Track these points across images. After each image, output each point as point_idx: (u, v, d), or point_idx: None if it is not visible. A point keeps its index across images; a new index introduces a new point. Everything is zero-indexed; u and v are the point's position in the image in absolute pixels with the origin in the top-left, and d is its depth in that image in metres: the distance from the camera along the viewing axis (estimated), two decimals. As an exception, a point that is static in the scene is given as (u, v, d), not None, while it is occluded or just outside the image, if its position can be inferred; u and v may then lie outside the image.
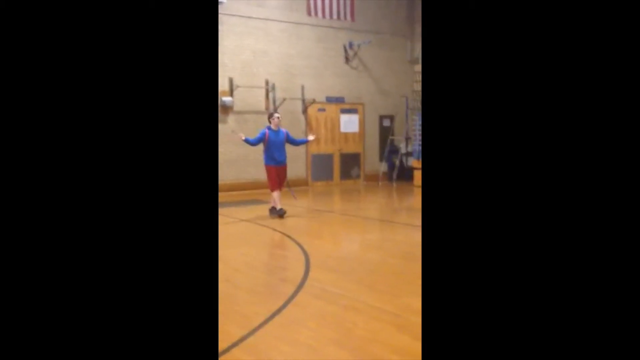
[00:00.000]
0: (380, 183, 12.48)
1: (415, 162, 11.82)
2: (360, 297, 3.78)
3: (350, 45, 12.17)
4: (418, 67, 13.19)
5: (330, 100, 12.07)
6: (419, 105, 12.94)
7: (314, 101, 11.59)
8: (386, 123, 13.07)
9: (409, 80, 13.14)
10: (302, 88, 11.46)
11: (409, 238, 6.12)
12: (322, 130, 12.00)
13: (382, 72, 12.85)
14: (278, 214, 7.31)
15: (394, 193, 10.93)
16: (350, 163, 12.58)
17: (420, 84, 12.91)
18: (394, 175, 12.49)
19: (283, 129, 7.54)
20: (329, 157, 12.21)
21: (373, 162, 12.92)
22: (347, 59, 12.25)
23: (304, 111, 11.59)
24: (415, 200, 9.70)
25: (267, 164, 7.41)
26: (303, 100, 11.52)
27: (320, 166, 11.92)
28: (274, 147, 7.27)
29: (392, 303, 3.60)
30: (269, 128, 7.34)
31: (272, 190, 7.39)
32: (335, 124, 12.23)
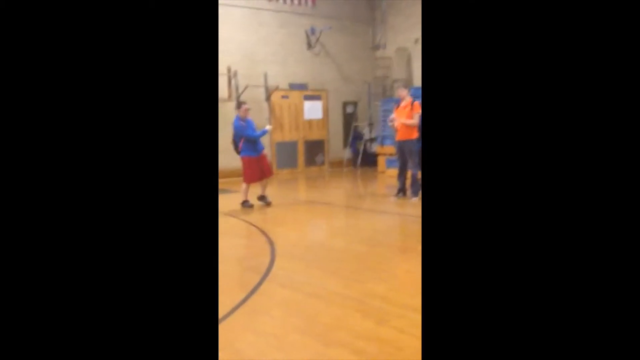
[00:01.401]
0: (344, 169, 12.55)
1: (379, 148, 11.92)
2: (324, 284, 3.82)
3: (312, 31, 12.12)
4: (380, 53, 13.26)
5: (293, 87, 12.01)
6: (381, 91, 13.03)
7: (277, 88, 11.52)
8: (350, 109, 13.12)
9: (371, 67, 13.20)
10: (265, 75, 11.36)
11: (372, 224, 6.19)
12: (285, 117, 11.95)
13: (345, 59, 12.86)
14: (245, 205, 7.22)
15: (359, 179, 11.02)
16: (315, 150, 12.60)
17: (382, 69, 13.01)
18: (358, 161, 12.58)
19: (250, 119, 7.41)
20: (293, 145, 12.19)
21: (337, 149, 12.98)
22: (309, 45, 12.20)
23: (267, 98, 11.51)
24: (379, 185, 9.80)
25: (246, 155, 7.11)
26: (266, 88, 11.42)
27: (285, 154, 11.90)
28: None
29: (355, 289, 3.65)
30: (238, 118, 7.12)
31: (246, 182, 7.17)
32: (299, 110, 12.20)
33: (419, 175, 7.47)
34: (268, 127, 7.58)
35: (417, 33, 12.41)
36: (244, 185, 7.25)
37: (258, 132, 7.16)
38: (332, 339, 2.81)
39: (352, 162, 12.83)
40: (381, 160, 11.61)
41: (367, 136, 12.86)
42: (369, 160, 12.51)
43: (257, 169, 7.11)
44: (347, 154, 12.92)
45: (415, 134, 7.29)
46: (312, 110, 12.45)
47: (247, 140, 7.05)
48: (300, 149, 12.33)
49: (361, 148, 12.75)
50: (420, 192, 7.49)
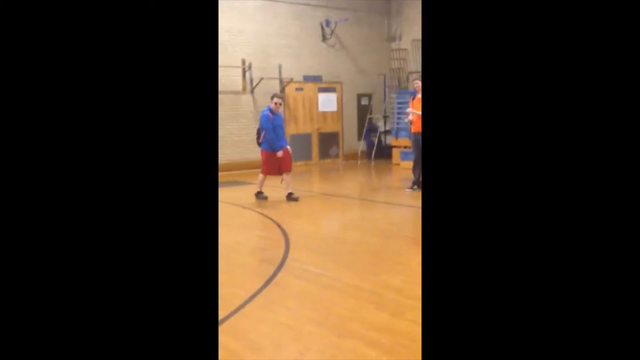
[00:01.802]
0: (359, 162, 12.52)
1: (393, 140, 11.87)
2: (339, 275, 3.82)
3: (327, 23, 12.06)
4: (395, 45, 13.16)
5: (307, 79, 11.99)
6: (396, 83, 12.95)
7: (291, 80, 11.51)
8: (364, 101, 13.06)
9: (386, 59, 13.11)
10: (280, 67, 11.35)
11: (387, 216, 6.18)
12: (300, 110, 11.95)
13: (360, 51, 12.79)
14: (259, 197, 7.19)
15: (373, 171, 10.99)
16: (329, 142, 12.58)
17: (397, 61, 12.92)
18: (373, 154, 12.54)
19: (282, 115, 7.22)
20: (307, 137, 12.18)
21: (352, 141, 12.94)
22: (324, 37, 12.15)
23: (282, 91, 11.51)
24: (393, 178, 9.77)
25: (265, 149, 6.98)
26: (280, 80, 11.42)
27: (299, 146, 11.89)
28: (276, 131, 6.89)
29: (370, 281, 3.65)
30: (270, 110, 6.91)
31: (263, 173, 7.12)
32: (313, 103, 12.18)
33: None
34: (287, 146, 7.09)
35: (433, 24, 12.28)
36: (260, 176, 7.20)
37: (276, 137, 6.89)
38: (347, 331, 2.82)
39: (367, 154, 12.79)
40: (395, 153, 11.55)
41: (381, 128, 12.81)
42: (384, 153, 12.47)
43: (275, 163, 7.00)
44: (361, 146, 12.88)
45: (431, 127, 7.23)
46: (327, 102, 12.42)
47: (267, 135, 6.92)
48: (315, 141, 12.32)
49: (376, 140, 12.70)
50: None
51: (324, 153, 12.50)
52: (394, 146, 11.74)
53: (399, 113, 11.50)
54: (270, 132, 6.86)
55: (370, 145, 12.79)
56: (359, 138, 12.98)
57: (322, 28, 12.08)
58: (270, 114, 6.86)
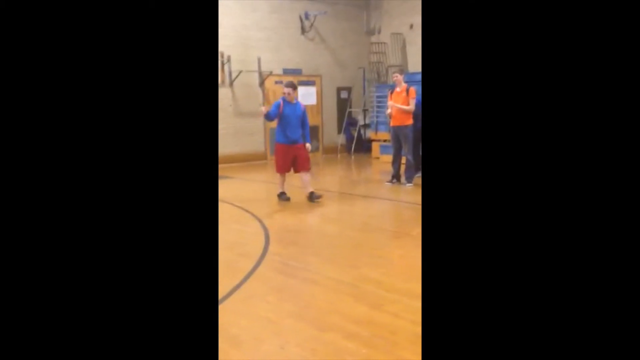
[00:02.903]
0: (338, 155, 12.53)
1: (373, 134, 11.90)
2: (319, 269, 3.83)
3: (306, 16, 12.01)
4: (374, 39, 13.17)
5: (287, 72, 11.94)
6: (375, 76, 12.97)
7: (270, 73, 11.44)
8: (344, 95, 13.07)
9: (365, 52, 13.11)
10: (259, 60, 11.28)
11: (367, 210, 6.20)
12: (279, 103, 11.89)
13: (339, 44, 12.77)
14: (282, 198, 6.60)
15: (353, 165, 11.02)
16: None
17: (377, 55, 12.93)
18: (352, 148, 12.57)
19: (302, 104, 6.62)
20: (287, 130, 12.12)
21: (331, 135, 12.95)
22: (303, 30, 12.10)
23: (261, 84, 11.44)
24: (373, 171, 9.81)
25: (279, 142, 6.50)
26: (260, 73, 11.35)
27: (279, 139, 11.83)
28: (285, 121, 6.33)
29: (350, 274, 3.66)
30: (284, 99, 6.41)
31: (278, 171, 6.59)
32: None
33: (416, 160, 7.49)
34: (262, 109, 6.56)
35: (412, 18, 12.33)
36: (279, 176, 6.66)
37: (279, 130, 6.45)
38: (326, 324, 2.83)
39: (346, 148, 12.80)
40: (375, 147, 11.59)
41: (361, 122, 12.83)
42: (363, 146, 12.50)
43: (287, 159, 6.44)
44: (341, 139, 12.90)
45: (410, 120, 7.27)
46: (306, 95, 12.37)
47: (278, 124, 6.43)
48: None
49: (355, 134, 12.73)
50: (414, 179, 7.51)
51: (304, 146, 12.47)
52: (374, 140, 11.78)
53: (378, 106, 11.53)
54: (270, 120, 6.40)
55: (349, 138, 12.81)
56: (339, 131, 12.99)
57: (301, 21, 12.02)
58: (281, 103, 6.36)
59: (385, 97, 8.76)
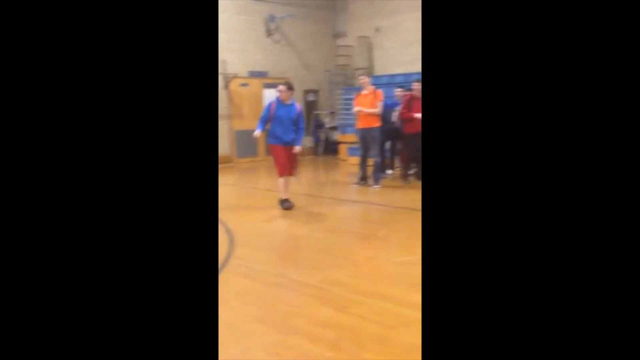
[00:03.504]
0: (306, 158, 12.50)
1: (340, 136, 11.91)
2: (284, 272, 3.77)
3: (272, 18, 11.95)
4: (341, 42, 13.20)
5: (253, 74, 11.85)
6: (342, 79, 13.00)
7: (235, 76, 11.33)
8: (311, 97, 13.06)
9: (332, 55, 13.14)
10: (224, 63, 11.15)
11: (334, 212, 6.17)
12: (245, 106, 11.78)
13: (306, 46, 12.76)
14: (284, 206, 6.11)
15: (320, 167, 11.00)
16: (276, 139, 12.48)
17: (344, 57, 12.97)
18: (320, 150, 12.55)
19: (298, 106, 6.20)
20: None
21: (299, 137, 12.91)
22: (268, 33, 12.03)
23: (226, 86, 11.31)
24: (340, 173, 9.81)
25: (270, 143, 6.11)
26: (225, 75, 11.22)
27: (245, 142, 11.72)
28: (277, 122, 5.95)
29: (316, 277, 3.62)
30: (278, 100, 6.07)
31: (280, 175, 6.10)
32: (259, 99, 12.03)
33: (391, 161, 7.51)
34: (256, 133, 6.13)
35: (378, 22, 12.42)
36: (280, 180, 6.17)
37: (271, 131, 6.07)
38: (291, 327, 2.77)
39: (314, 150, 12.78)
40: (343, 149, 11.60)
41: (328, 124, 12.83)
42: (331, 149, 12.50)
43: (283, 160, 6.02)
44: (308, 142, 12.87)
45: (378, 122, 7.29)
46: (273, 98, 12.30)
47: (271, 125, 6.03)
48: (261, 137, 12.14)
49: (323, 136, 12.72)
50: (381, 180, 7.52)
51: (271, 149, 12.39)
52: (341, 142, 11.79)
53: (345, 109, 11.55)
54: (262, 122, 6.07)
55: (317, 141, 12.80)
56: (306, 134, 12.96)
57: (267, 23, 11.95)
58: (274, 103, 6.04)
59: (353, 99, 8.77)
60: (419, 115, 7.31)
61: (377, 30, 12.50)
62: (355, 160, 8.74)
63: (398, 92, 8.14)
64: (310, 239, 4.83)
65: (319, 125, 12.94)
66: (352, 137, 11.04)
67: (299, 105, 6.19)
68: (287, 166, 6.05)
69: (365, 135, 7.39)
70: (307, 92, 12.97)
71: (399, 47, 12.09)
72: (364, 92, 7.37)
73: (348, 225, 5.54)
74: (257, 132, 6.05)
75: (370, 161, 7.56)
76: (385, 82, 10.89)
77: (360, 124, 7.43)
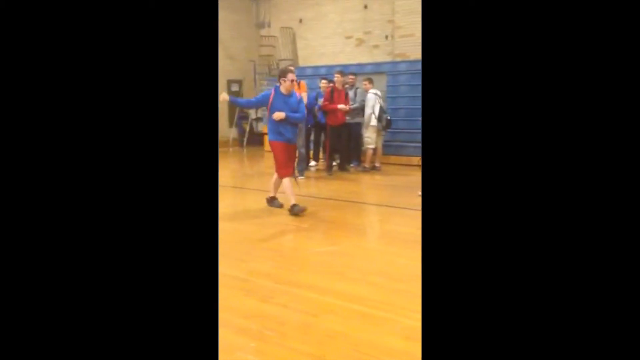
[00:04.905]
0: (230, 149, 12.38)
1: (265, 128, 11.89)
2: (209, 265, 3.77)
3: (194, 6, 11.67)
4: (264, 32, 13.14)
5: (174, 64, 11.53)
6: (266, 70, 12.95)
7: (156, 65, 10.98)
8: (234, 88, 12.92)
9: (255, 45, 13.06)
10: (143, 51, 10.78)
11: (259, 203, 6.20)
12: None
13: (229, 36, 12.58)
14: (294, 211, 5.32)
15: (245, 159, 10.95)
16: (200, 130, 12.25)
17: (267, 48, 12.92)
18: (245, 141, 12.48)
19: (299, 96, 5.37)
20: (176, 124, 11.73)
21: (223, 128, 12.74)
22: (190, 21, 11.74)
23: (147, 76, 10.95)
24: (265, 165, 9.82)
25: (272, 140, 5.31)
26: (145, 64, 10.85)
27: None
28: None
29: (241, 269, 3.65)
30: (277, 89, 5.24)
31: (282, 176, 5.36)
32: (182, 89, 11.74)
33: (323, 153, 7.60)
34: (223, 96, 5.17)
35: (301, 13, 12.47)
36: (284, 182, 5.41)
37: (243, 99, 5.74)
38: (216, 320, 2.80)
39: (239, 141, 12.69)
40: (267, 140, 11.58)
41: (253, 116, 12.77)
42: (256, 140, 12.46)
43: (285, 158, 5.33)
44: (232, 133, 12.75)
45: (301, 114, 7.36)
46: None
47: (269, 119, 5.32)
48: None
49: (247, 127, 12.65)
50: (305, 172, 7.62)
51: (195, 141, 12.16)
52: (266, 133, 11.74)
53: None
54: (245, 101, 5.74)
55: (241, 132, 12.71)
56: (230, 125, 12.83)
57: (189, 11, 11.66)
58: (272, 92, 5.25)
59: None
60: (341, 106, 7.49)
61: (300, 21, 12.56)
62: (280, 151, 8.77)
63: (323, 83, 8.27)
64: (236, 232, 4.84)
65: (243, 117, 12.84)
66: (276, 128, 11.05)
67: (299, 95, 5.47)
68: (289, 166, 5.43)
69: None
70: (230, 82, 12.82)
71: (322, 38, 12.22)
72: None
73: (273, 216, 5.60)
74: (225, 96, 5.17)
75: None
76: (309, 74, 10.99)
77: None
